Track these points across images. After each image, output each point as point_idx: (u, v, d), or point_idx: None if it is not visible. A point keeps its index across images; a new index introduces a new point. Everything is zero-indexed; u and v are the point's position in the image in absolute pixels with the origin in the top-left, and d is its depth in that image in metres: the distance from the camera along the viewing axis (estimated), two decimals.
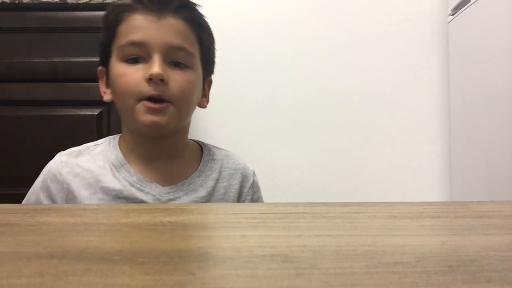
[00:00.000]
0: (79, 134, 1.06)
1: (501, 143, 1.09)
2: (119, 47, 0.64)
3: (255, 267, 0.21)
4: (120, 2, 0.67)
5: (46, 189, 0.66)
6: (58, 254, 0.24)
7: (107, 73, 0.69)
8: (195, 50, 0.68)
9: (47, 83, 1.09)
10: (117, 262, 0.22)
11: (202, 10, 0.71)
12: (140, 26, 0.64)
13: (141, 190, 0.65)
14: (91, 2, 1.09)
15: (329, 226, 0.32)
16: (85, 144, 0.71)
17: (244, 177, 0.73)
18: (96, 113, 1.07)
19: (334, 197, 1.43)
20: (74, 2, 1.09)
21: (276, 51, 1.48)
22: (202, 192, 0.68)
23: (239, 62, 1.46)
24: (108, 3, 1.08)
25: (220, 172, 0.72)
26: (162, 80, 0.62)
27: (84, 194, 0.64)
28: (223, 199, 0.70)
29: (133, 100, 0.63)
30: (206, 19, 0.71)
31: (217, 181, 0.70)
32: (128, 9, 0.65)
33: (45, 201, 0.66)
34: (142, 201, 0.64)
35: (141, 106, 0.63)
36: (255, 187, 0.75)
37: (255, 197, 0.75)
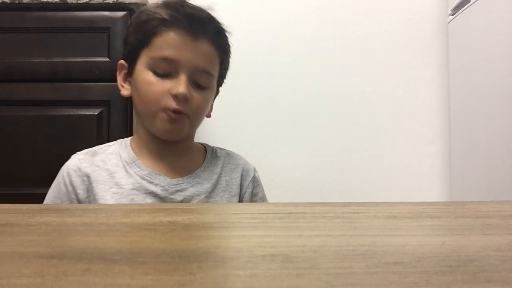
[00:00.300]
0: (79, 134, 1.06)
1: (501, 144, 1.09)
2: (151, 57, 0.70)
3: (255, 267, 0.21)
4: (158, 14, 0.71)
5: (68, 183, 0.72)
6: (58, 254, 0.24)
7: (129, 69, 0.75)
8: (216, 72, 0.75)
9: (47, 83, 1.08)
10: (117, 262, 0.22)
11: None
12: (175, 45, 0.69)
13: (151, 182, 0.72)
14: (91, 2, 1.09)
15: (329, 226, 0.32)
16: (98, 146, 0.78)
17: (245, 171, 0.80)
18: (96, 113, 1.07)
19: (334, 197, 1.43)
20: (74, 2, 1.09)
21: (276, 51, 1.48)
22: (206, 185, 0.75)
23: (239, 62, 1.46)
24: (108, 3, 1.08)
25: (222, 167, 0.79)
26: (185, 99, 0.69)
27: (101, 187, 0.71)
28: (226, 191, 0.77)
29: (156, 108, 0.70)
30: (231, 43, 0.77)
31: (220, 175, 0.78)
32: (166, 25, 0.70)
33: (67, 195, 0.71)
34: (152, 192, 0.71)
35: (163, 114, 0.70)
36: (255, 181, 0.81)
37: (255, 192, 0.81)
